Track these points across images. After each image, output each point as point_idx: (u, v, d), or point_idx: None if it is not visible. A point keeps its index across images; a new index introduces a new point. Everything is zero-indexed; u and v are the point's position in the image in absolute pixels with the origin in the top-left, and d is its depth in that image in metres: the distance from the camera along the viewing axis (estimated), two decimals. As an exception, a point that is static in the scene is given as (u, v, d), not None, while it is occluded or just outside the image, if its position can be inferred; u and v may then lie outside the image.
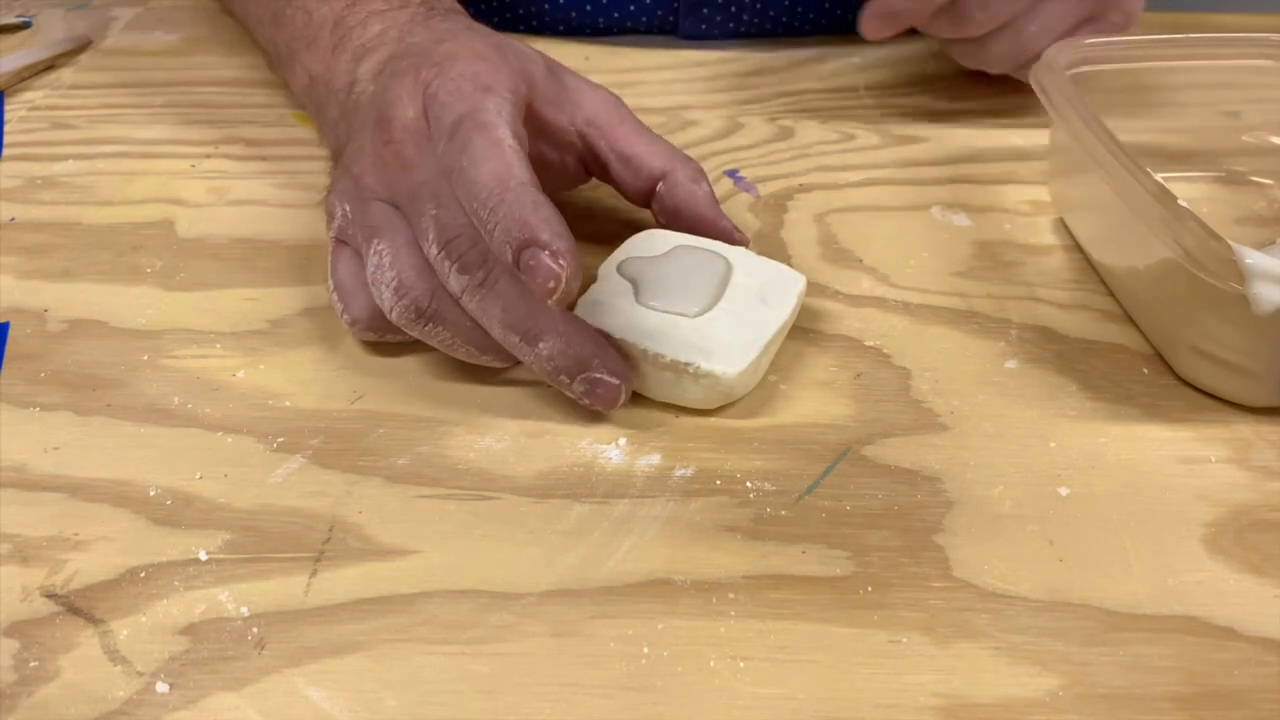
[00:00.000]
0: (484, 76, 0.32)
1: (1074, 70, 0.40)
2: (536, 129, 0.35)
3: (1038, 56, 0.40)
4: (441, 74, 0.33)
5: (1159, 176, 0.32)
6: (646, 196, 0.37)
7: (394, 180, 0.33)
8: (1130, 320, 0.36)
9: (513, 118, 0.32)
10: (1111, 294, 0.37)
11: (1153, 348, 0.35)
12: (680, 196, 0.36)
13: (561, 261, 0.28)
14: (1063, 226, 0.41)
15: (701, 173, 0.37)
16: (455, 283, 0.31)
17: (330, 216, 0.35)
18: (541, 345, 0.31)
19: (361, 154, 0.34)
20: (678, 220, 0.36)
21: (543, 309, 0.30)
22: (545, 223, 0.28)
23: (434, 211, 0.31)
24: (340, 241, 0.34)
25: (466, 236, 0.30)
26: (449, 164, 0.31)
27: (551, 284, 0.28)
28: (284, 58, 0.43)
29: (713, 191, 0.37)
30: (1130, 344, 0.35)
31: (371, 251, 0.32)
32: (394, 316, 0.32)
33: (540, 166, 0.32)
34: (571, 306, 0.33)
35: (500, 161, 0.29)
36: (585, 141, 0.37)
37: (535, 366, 0.31)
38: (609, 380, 0.31)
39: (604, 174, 0.38)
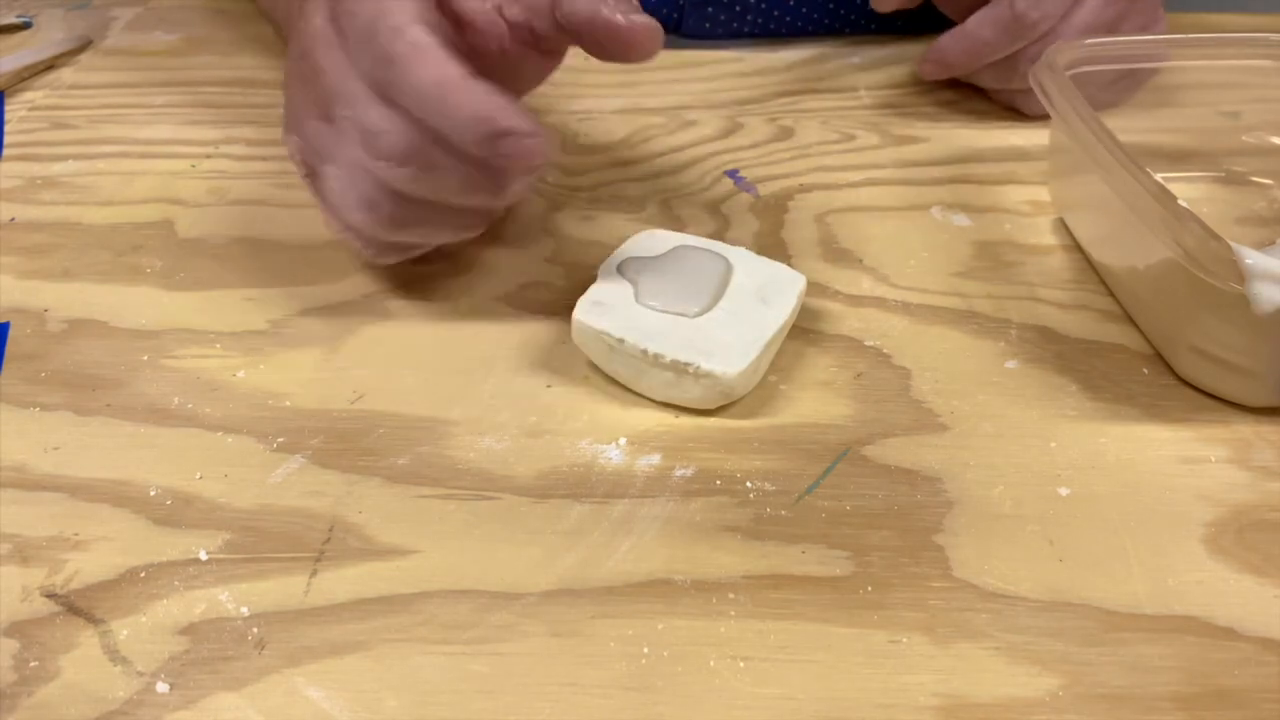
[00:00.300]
0: None
1: (1074, 70, 0.40)
2: (456, 20, 0.34)
3: None
4: None
5: (1159, 177, 0.32)
6: (564, 33, 0.34)
7: (314, 92, 0.32)
8: (1130, 320, 0.36)
9: (421, 11, 0.31)
10: (1111, 294, 0.37)
11: (1153, 348, 0.35)
12: (565, 11, 0.32)
13: (534, 139, 0.29)
14: (1063, 226, 0.41)
15: None
16: (396, 178, 0.31)
17: (291, 155, 0.35)
18: (509, 189, 0.32)
19: (289, 76, 0.34)
20: (580, 36, 0.33)
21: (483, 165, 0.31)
22: (500, 109, 0.29)
23: (347, 114, 0.31)
24: (309, 171, 0.34)
25: (386, 131, 0.31)
26: (379, 78, 0.30)
27: (537, 160, 0.29)
28: None
29: None
30: (1130, 344, 0.35)
31: (327, 179, 0.33)
32: (378, 233, 0.33)
33: (482, 64, 0.31)
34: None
35: (429, 63, 0.29)
36: (504, 17, 0.34)
37: (501, 204, 0.32)
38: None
39: (538, 40, 0.35)
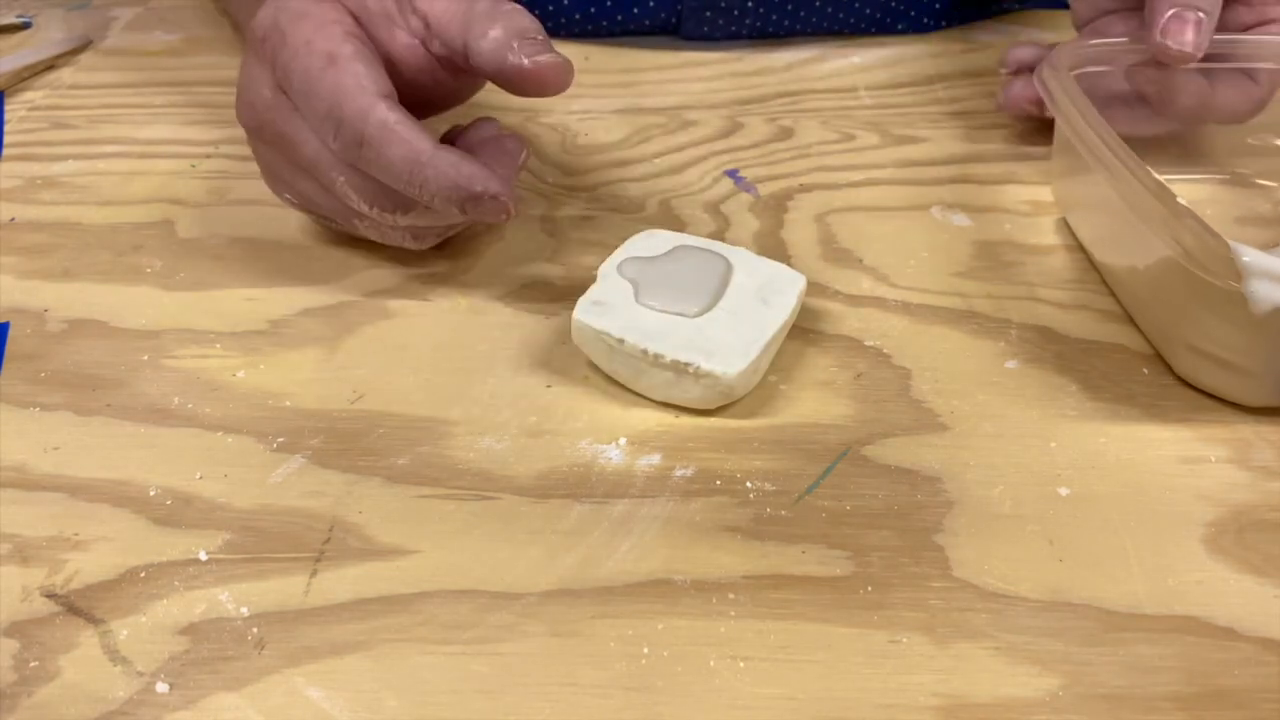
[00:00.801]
0: (318, 40, 0.33)
1: (1079, 70, 0.40)
2: (391, 58, 0.35)
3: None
4: (284, 44, 0.33)
5: (1163, 177, 0.32)
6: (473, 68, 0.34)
7: (290, 157, 0.35)
8: (1130, 320, 0.36)
9: (370, 75, 0.32)
10: (1112, 294, 0.37)
11: (1152, 347, 0.35)
12: (475, 62, 0.34)
13: (503, 198, 0.32)
14: (1064, 226, 0.41)
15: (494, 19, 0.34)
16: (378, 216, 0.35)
17: (293, 205, 0.38)
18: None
19: (254, 138, 0.36)
20: (495, 80, 0.34)
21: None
22: (472, 177, 0.32)
23: (337, 177, 0.34)
24: (324, 217, 0.38)
25: (368, 191, 0.34)
26: (352, 160, 0.33)
27: (504, 216, 0.33)
28: None
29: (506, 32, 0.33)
30: (1130, 344, 0.35)
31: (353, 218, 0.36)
32: (410, 222, 0.35)
33: (429, 94, 0.34)
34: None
35: (399, 143, 0.31)
36: (429, 49, 0.35)
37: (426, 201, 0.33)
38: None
39: (461, 69, 0.35)
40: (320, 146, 0.34)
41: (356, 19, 0.34)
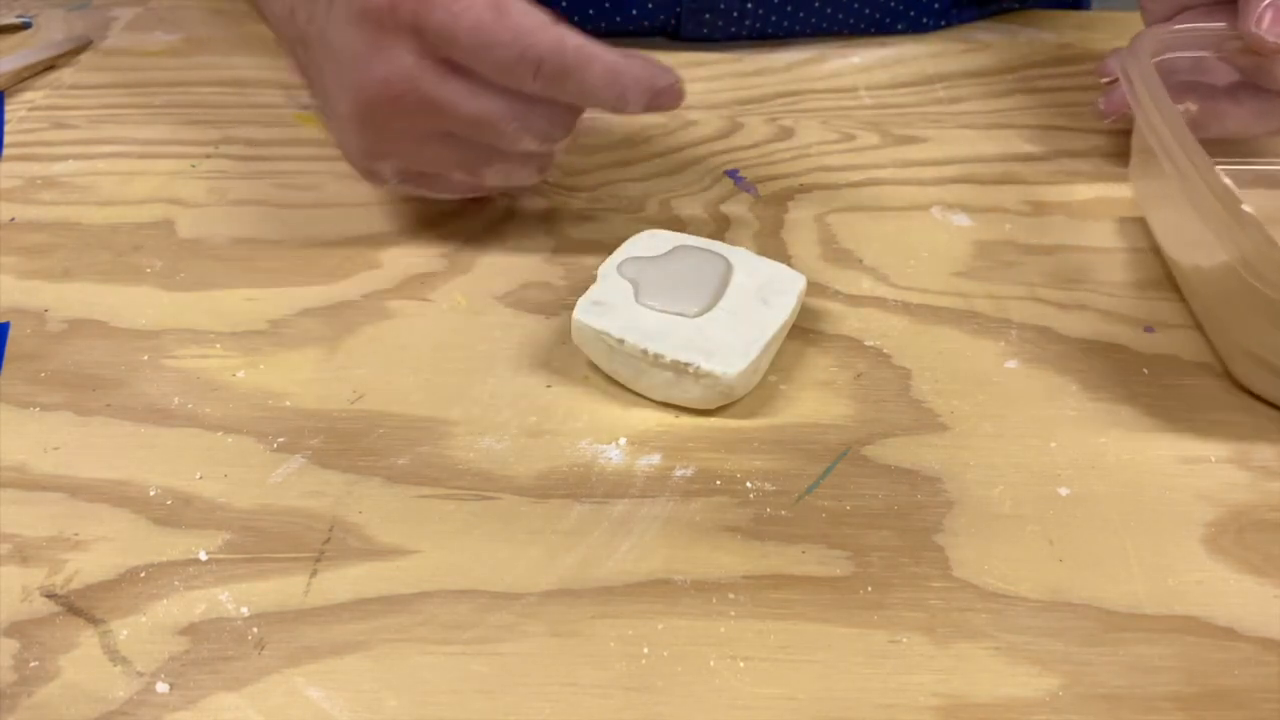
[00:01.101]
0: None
1: (1159, 58, 0.38)
2: None
3: None
4: (433, 8, 0.32)
5: (1254, 166, 0.30)
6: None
7: (423, 123, 0.34)
8: (1132, 320, 0.36)
9: (542, 11, 0.33)
10: (1180, 294, 0.37)
11: (1213, 351, 0.34)
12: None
13: (679, 85, 0.33)
14: (1064, 226, 0.41)
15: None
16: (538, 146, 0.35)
17: (378, 179, 0.38)
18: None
19: (357, 120, 0.35)
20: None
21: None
22: (655, 75, 0.33)
23: (513, 125, 0.34)
24: (409, 180, 0.38)
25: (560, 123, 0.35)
26: (553, 93, 0.33)
27: (680, 101, 0.34)
28: None
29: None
30: (1131, 344, 0.35)
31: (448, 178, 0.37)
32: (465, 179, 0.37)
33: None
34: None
35: (595, 61, 0.32)
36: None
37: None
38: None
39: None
40: (490, 99, 0.33)
41: None
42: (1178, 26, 0.39)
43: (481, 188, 0.38)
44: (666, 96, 0.34)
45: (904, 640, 0.26)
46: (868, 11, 0.53)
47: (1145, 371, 0.34)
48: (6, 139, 0.46)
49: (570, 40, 0.32)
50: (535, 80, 0.33)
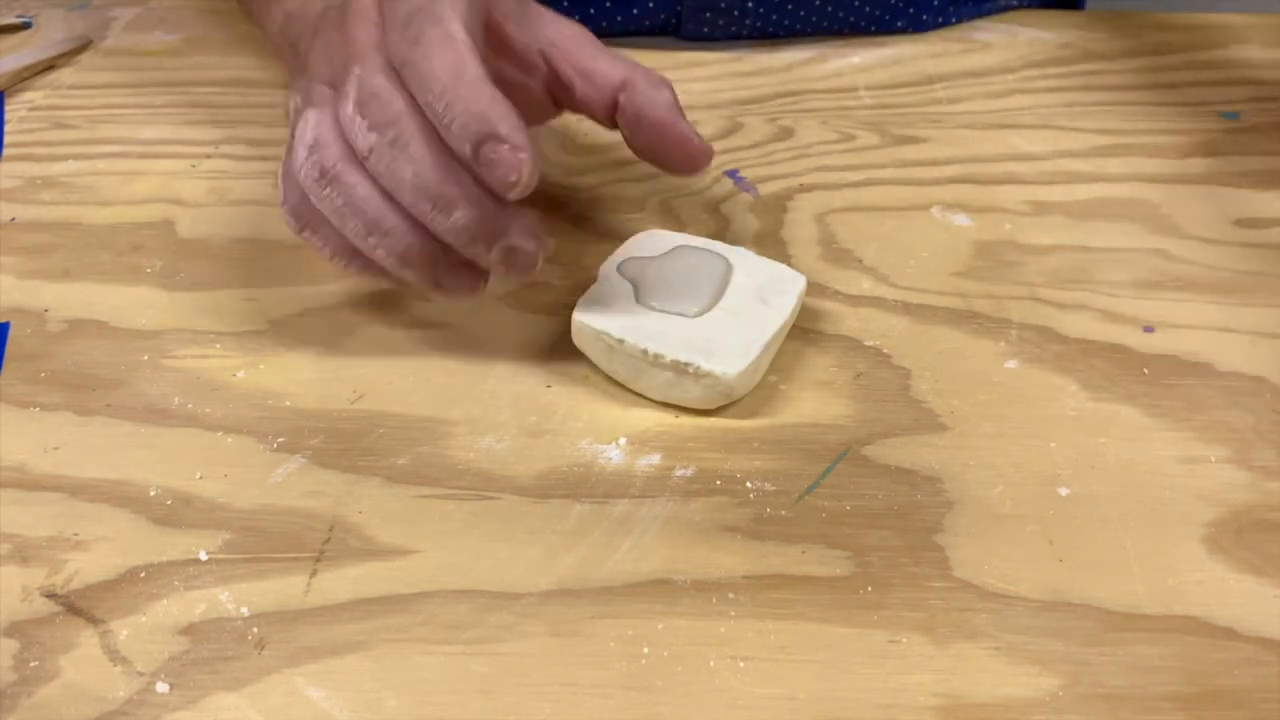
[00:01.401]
0: None
1: None
2: (499, 46, 0.34)
3: None
4: None
5: None
6: (610, 111, 0.36)
7: (335, 58, 0.33)
8: (1132, 320, 0.36)
9: (467, 14, 0.31)
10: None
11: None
12: (640, 103, 0.35)
13: (522, 155, 0.28)
14: (1064, 226, 0.41)
15: (665, 82, 0.36)
16: (363, 141, 0.30)
17: (287, 116, 0.34)
18: (456, 213, 0.30)
19: (312, 47, 0.34)
20: (639, 128, 0.35)
21: (455, 175, 0.30)
22: (503, 116, 0.28)
23: (357, 72, 0.30)
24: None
25: (383, 96, 0.30)
26: (400, 55, 0.30)
27: (514, 177, 0.28)
28: (261, 2, 0.43)
29: (676, 99, 0.35)
30: (1131, 344, 0.35)
31: (300, 119, 0.31)
32: (301, 176, 0.31)
33: (505, 89, 0.30)
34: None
35: (453, 55, 0.29)
36: (548, 63, 0.36)
37: (448, 236, 0.30)
38: (525, 246, 0.30)
39: (569, 97, 0.36)
40: (371, 46, 0.31)
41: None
42: None
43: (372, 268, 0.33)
44: (499, 157, 0.28)
45: (904, 640, 0.26)
46: (868, 9, 0.53)
47: (1145, 371, 0.34)
48: (6, 139, 0.46)
49: (452, 26, 0.29)
50: (395, 32, 0.30)
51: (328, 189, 0.31)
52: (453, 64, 0.29)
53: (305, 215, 0.32)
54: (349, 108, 0.30)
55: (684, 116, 0.35)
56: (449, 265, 0.31)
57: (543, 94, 0.37)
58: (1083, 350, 0.35)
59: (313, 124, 0.31)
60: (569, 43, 0.36)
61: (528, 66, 0.36)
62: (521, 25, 0.35)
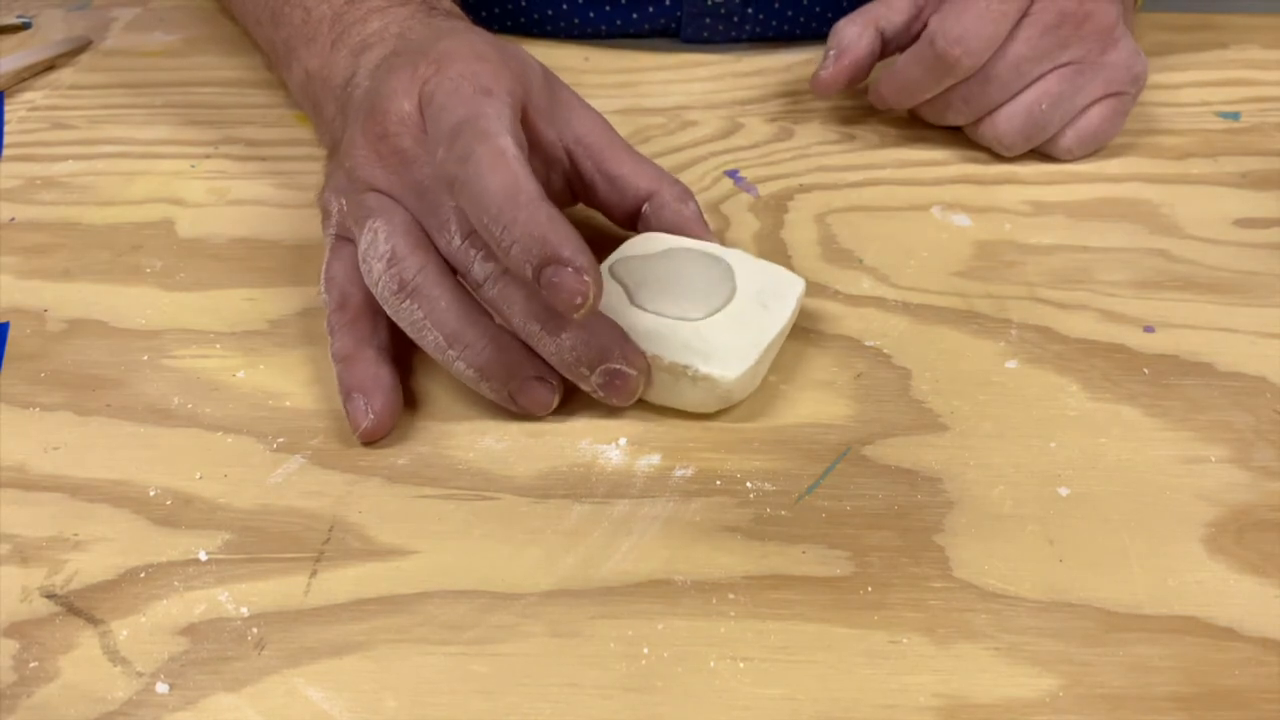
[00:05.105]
0: (483, 77, 0.32)
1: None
2: (527, 141, 0.34)
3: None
4: (440, 71, 0.32)
5: None
6: (632, 217, 0.37)
7: (392, 174, 0.33)
8: (1132, 320, 0.36)
9: (513, 124, 0.31)
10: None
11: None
12: (666, 217, 0.36)
13: (586, 278, 0.28)
14: (1064, 226, 0.41)
15: (688, 193, 0.36)
16: (479, 270, 0.31)
17: (326, 214, 0.35)
18: (564, 335, 0.30)
19: (354, 147, 0.34)
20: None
21: None
22: (565, 239, 0.28)
23: (453, 204, 0.31)
24: (340, 238, 0.34)
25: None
26: (449, 173, 0.30)
27: (579, 300, 0.28)
28: (281, 55, 0.43)
29: (700, 213, 0.36)
30: (1131, 344, 0.35)
31: (366, 230, 0.32)
32: (379, 288, 0.31)
33: None
34: None
35: (507, 174, 0.29)
36: (572, 160, 0.36)
37: (555, 358, 0.31)
38: (628, 371, 0.31)
39: (589, 195, 0.37)
40: (431, 166, 0.32)
41: (522, 88, 0.34)
42: None
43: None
44: (562, 281, 0.28)
45: (904, 640, 0.26)
46: (867, 11, 0.53)
47: (1145, 371, 0.34)
48: (6, 139, 0.46)
49: (501, 141, 0.29)
50: (443, 151, 0.30)
51: (406, 301, 0.31)
52: (507, 184, 0.28)
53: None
54: (456, 239, 0.31)
55: (708, 228, 0.36)
56: (523, 380, 0.31)
57: (562, 187, 0.38)
58: (1083, 350, 0.35)
59: (383, 236, 0.32)
60: (595, 140, 0.36)
61: (551, 160, 0.36)
62: (550, 119, 0.36)
